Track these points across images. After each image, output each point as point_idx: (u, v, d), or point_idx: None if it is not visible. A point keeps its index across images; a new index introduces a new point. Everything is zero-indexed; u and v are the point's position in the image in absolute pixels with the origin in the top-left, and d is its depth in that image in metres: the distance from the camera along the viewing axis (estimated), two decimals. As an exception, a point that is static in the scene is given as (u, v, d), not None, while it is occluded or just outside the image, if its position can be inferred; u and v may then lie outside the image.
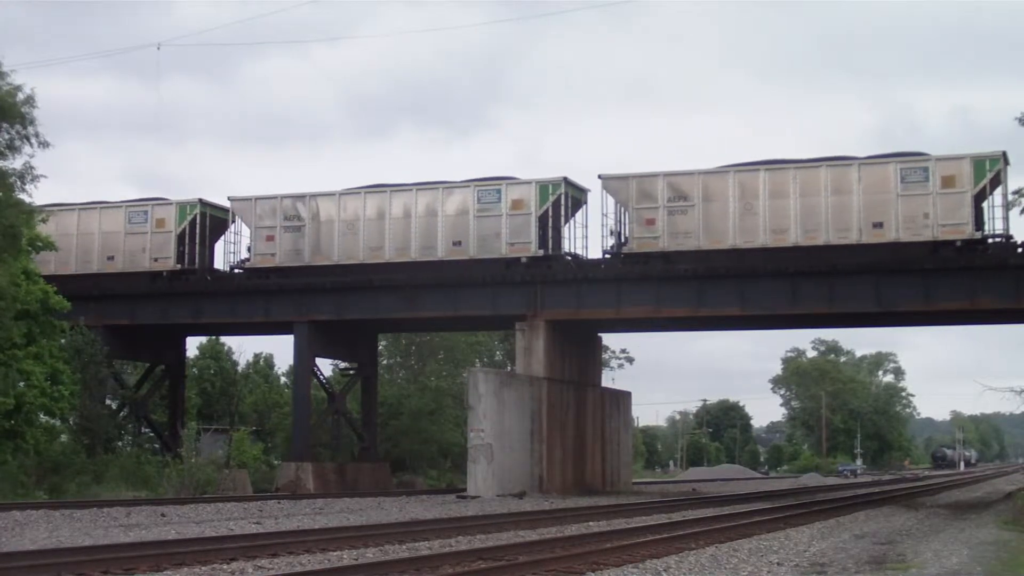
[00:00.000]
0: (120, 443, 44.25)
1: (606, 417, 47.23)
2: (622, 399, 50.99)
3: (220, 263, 45.59)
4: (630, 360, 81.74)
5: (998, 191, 35.95)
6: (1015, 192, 33.38)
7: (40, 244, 39.33)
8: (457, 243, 40.63)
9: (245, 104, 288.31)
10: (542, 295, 40.24)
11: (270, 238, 42.95)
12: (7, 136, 30.92)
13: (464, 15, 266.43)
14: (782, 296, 38.44)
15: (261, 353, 65.44)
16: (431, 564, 14.83)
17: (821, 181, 37.09)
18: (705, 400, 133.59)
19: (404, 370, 61.89)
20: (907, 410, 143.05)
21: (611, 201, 39.85)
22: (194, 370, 58.03)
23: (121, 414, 46.67)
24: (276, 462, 48.64)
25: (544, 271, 40.07)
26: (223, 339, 60.30)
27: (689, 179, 38.65)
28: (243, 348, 73.30)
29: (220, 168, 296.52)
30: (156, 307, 44.88)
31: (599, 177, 39.86)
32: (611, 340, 72.48)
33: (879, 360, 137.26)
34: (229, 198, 44.49)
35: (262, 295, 43.60)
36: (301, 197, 43.22)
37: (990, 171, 35.57)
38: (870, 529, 23.35)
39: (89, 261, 44.89)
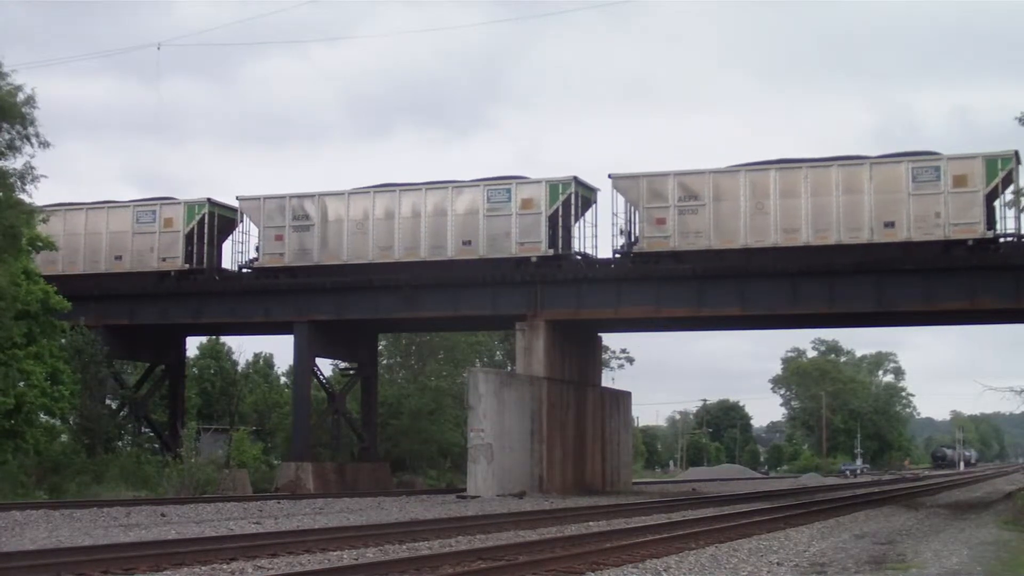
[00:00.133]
0: (120, 443, 44.27)
1: (606, 417, 47.21)
2: (622, 399, 50.98)
3: (228, 263, 45.58)
4: (630, 360, 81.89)
5: (1010, 190, 35.79)
6: (1014, 192, 33.36)
7: (40, 244, 39.31)
8: (467, 243, 40.46)
9: (245, 104, 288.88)
10: (542, 295, 40.19)
11: (279, 237, 42.80)
12: (7, 136, 30.88)
13: (463, 15, 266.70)
14: (782, 296, 38.39)
15: (261, 353, 65.63)
16: (431, 564, 14.83)
17: (832, 180, 36.94)
18: (705, 400, 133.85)
19: (404, 370, 61.85)
20: (907, 410, 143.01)
21: (621, 200, 39.71)
22: (194, 370, 58.08)
23: (121, 414, 46.67)
24: (276, 462, 48.60)
25: (544, 271, 40.04)
26: (223, 339, 60.34)
27: (700, 178, 38.51)
28: (243, 348, 73.34)
29: (220, 168, 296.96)
30: (156, 307, 44.84)
31: (609, 176, 39.74)
32: (611, 340, 72.56)
33: (879, 360, 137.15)
34: (237, 197, 44.31)
35: (263, 295, 43.53)
36: (310, 196, 43.03)
37: (1002, 170, 35.44)
38: (870, 529, 23.35)
39: (97, 261, 44.79)
